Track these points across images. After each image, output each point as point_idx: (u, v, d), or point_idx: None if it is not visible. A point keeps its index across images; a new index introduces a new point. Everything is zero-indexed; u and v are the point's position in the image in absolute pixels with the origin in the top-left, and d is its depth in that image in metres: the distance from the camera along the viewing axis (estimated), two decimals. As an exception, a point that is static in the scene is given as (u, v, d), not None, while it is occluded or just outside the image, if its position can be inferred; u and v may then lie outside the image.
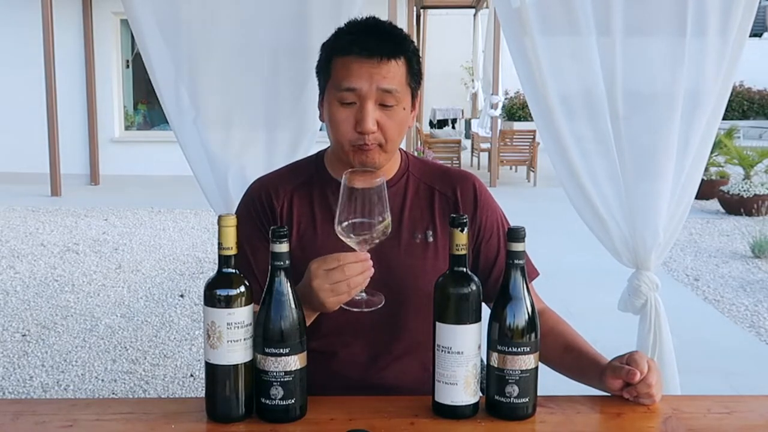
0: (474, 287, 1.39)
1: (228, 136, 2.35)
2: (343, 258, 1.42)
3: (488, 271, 1.71)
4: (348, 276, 1.41)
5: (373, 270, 1.44)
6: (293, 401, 1.37)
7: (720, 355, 4.60)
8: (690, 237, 7.97)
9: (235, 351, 1.36)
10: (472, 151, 13.86)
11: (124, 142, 11.84)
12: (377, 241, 1.43)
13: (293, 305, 1.36)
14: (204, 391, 1.41)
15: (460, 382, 1.39)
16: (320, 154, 1.76)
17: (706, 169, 10.02)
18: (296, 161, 1.83)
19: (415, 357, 1.68)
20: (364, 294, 1.48)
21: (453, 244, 1.39)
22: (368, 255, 1.43)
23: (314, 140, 2.36)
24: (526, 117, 17.48)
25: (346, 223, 1.41)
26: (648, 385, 1.45)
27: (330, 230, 1.65)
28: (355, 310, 1.47)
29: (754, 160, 9.76)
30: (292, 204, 1.69)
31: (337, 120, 1.59)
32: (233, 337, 1.36)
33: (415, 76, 1.63)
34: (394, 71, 1.57)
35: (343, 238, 1.43)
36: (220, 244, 1.37)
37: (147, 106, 12.33)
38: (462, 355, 1.38)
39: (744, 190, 9.19)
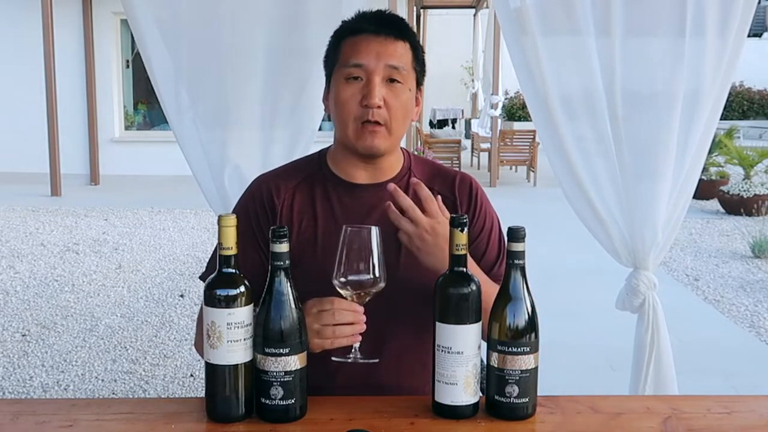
0: (474, 287, 1.40)
1: (226, 136, 2.36)
2: (337, 303, 1.45)
3: None
4: (337, 321, 1.44)
5: (364, 327, 1.46)
6: (293, 401, 1.37)
7: (720, 355, 4.60)
8: (690, 237, 7.97)
9: (235, 351, 1.36)
10: (472, 151, 13.86)
11: (124, 142, 11.83)
12: (371, 296, 1.47)
13: (293, 305, 1.37)
14: (204, 391, 1.41)
15: (460, 382, 1.39)
16: (322, 152, 1.77)
17: (706, 169, 10.05)
18: (298, 159, 1.85)
19: (415, 357, 1.68)
20: (359, 354, 1.49)
21: (453, 244, 1.39)
22: (362, 309, 1.46)
23: (313, 140, 2.36)
24: (526, 117, 17.47)
25: (343, 279, 1.45)
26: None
27: (331, 228, 1.66)
28: (348, 360, 1.49)
29: (754, 160, 9.76)
30: (293, 201, 1.69)
31: (343, 98, 1.61)
32: (233, 337, 1.36)
33: (419, 62, 1.67)
34: (402, 50, 1.62)
35: (339, 290, 1.46)
36: (220, 244, 1.37)
37: (147, 106, 12.33)
38: (462, 355, 1.38)
39: (744, 190, 9.19)
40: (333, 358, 1.48)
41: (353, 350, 1.49)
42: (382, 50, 1.60)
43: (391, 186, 1.53)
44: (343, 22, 1.69)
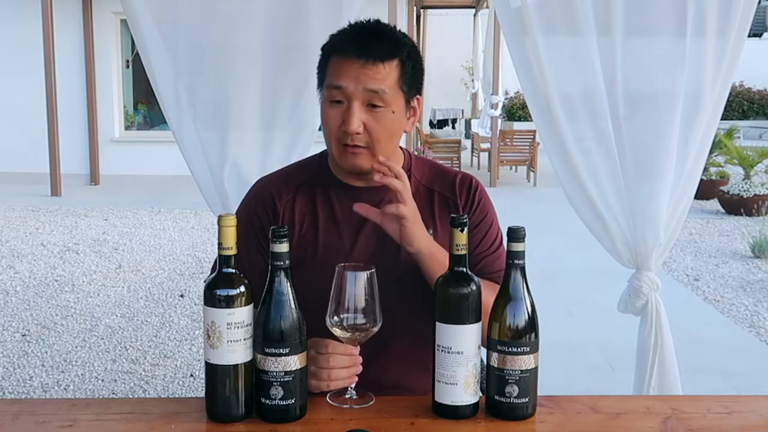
0: (474, 287, 1.40)
1: (226, 136, 2.36)
2: (332, 347, 1.46)
3: None
4: (332, 366, 1.45)
5: (360, 368, 1.47)
6: (293, 401, 1.37)
7: (720, 355, 4.60)
8: (690, 237, 7.97)
9: (235, 351, 1.36)
10: (472, 151, 13.86)
11: (124, 142, 11.83)
12: (367, 338, 1.45)
13: (293, 305, 1.37)
14: (204, 391, 1.41)
15: (460, 382, 1.39)
16: (324, 154, 1.77)
17: (706, 169, 10.04)
18: (301, 160, 1.85)
19: (415, 357, 1.68)
20: (354, 393, 1.47)
21: (453, 244, 1.39)
22: (358, 350, 1.47)
23: (312, 140, 2.36)
24: (526, 117, 17.47)
25: (337, 319, 1.43)
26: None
27: (331, 230, 1.66)
28: (344, 407, 1.45)
29: (754, 160, 9.75)
30: (294, 204, 1.70)
31: (327, 119, 1.62)
32: (233, 337, 1.36)
33: (408, 80, 1.63)
34: (384, 73, 1.58)
35: (334, 330, 1.44)
36: (220, 244, 1.37)
37: (147, 106, 12.33)
38: (462, 355, 1.38)
39: (744, 190, 9.18)
40: (329, 401, 1.47)
41: (349, 390, 1.47)
42: (361, 73, 1.57)
43: (356, 206, 1.57)
44: (331, 36, 1.66)
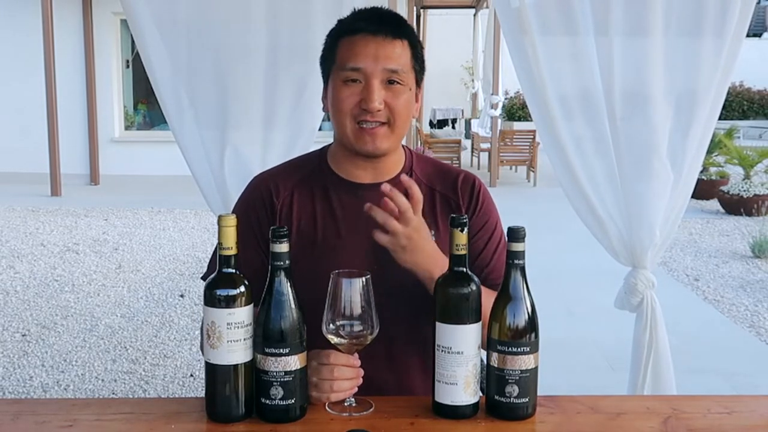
0: (474, 287, 1.40)
1: (226, 136, 2.36)
2: (334, 358, 1.45)
3: None
4: (335, 378, 1.44)
5: (361, 380, 1.46)
6: (293, 401, 1.37)
7: (720, 355, 4.61)
8: (690, 237, 7.97)
9: (235, 351, 1.36)
10: (472, 151, 13.85)
11: (124, 142, 11.83)
12: (364, 345, 1.44)
13: (293, 305, 1.37)
14: (204, 391, 1.41)
15: (460, 382, 1.39)
16: (323, 150, 1.77)
17: (706, 169, 10.03)
18: (299, 156, 1.84)
19: (415, 357, 1.68)
20: (353, 400, 1.46)
21: (453, 244, 1.39)
22: (358, 361, 1.46)
23: (312, 140, 2.36)
24: (526, 117, 17.47)
25: (333, 327, 1.41)
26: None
27: (329, 228, 1.66)
28: (344, 415, 1.43)
29: (754, 160, 9.75)
30: (292, 200, 1.69)
31: (341, 98, 1.60)
32: (233, 337, 1.36)
33: (418, 60, 1.65)
34: (399, 51, 1.60)
35: (331, 338, 1.42)
36: (220, 244, 1.37)
37: (147, 106, 12.33)
38: (462, 355, 1.38)
39: (744, 190, 9.18)
40: (328, 410, 1.45)
41: (348, 398, 1.45)
42: (380, 52, 1.58)
43: (386, 187, 1.49)
44: (339, 21, 1.68)
